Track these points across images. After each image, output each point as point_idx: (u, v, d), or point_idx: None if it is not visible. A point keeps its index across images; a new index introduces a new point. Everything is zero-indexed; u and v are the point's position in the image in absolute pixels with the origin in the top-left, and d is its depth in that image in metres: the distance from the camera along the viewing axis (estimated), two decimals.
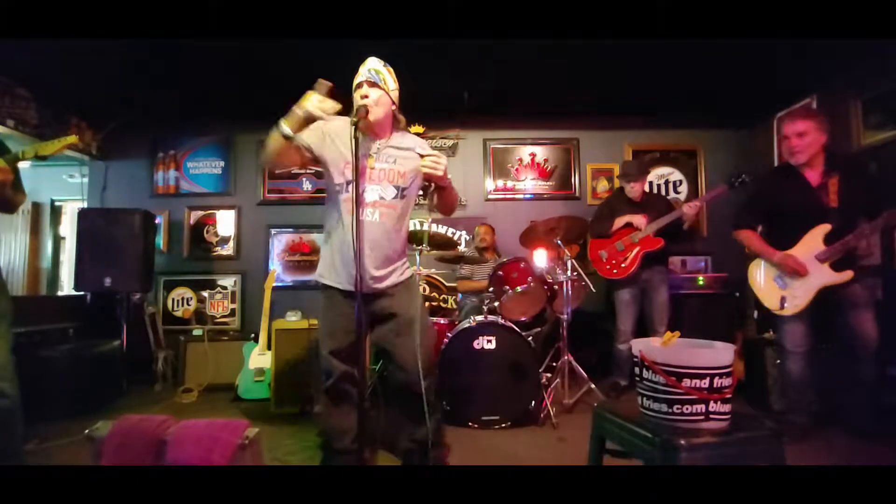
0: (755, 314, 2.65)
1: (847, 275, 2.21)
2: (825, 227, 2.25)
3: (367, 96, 1.67)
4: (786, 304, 2.34)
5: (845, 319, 2.28)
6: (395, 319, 1.79)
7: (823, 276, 2.25)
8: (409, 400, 1.80)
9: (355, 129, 1.48)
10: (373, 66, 1.73)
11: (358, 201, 1.46)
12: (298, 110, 1.63)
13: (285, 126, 1.64)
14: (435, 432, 1.82)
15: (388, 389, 3.01)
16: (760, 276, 2.46)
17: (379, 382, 2.96)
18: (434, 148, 4.77)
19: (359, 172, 1.50)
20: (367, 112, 1.63)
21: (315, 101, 1.62)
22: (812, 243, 2.28)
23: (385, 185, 1.74)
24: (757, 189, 2.63)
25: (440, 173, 1.67)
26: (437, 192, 1.84)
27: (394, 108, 1.78)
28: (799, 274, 2.28)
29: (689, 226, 3.15)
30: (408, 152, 1.79)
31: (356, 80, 1.73)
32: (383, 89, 1.71)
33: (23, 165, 1.85)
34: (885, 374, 2.46)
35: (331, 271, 1.80)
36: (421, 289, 2.01)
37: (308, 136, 1.72)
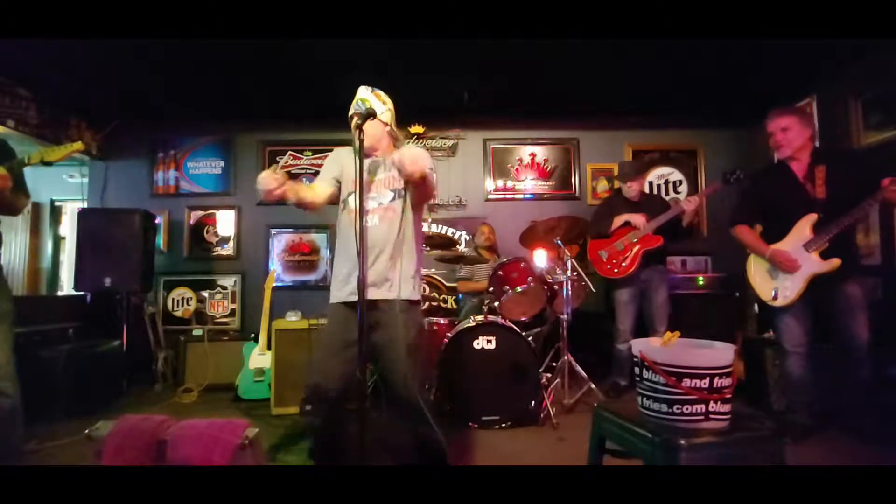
0: (756, 309, 2.64)
1: (834, 262, 2.21)
2: (812, 217, 2.28)
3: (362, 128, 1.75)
4: (777, 295, 2.36)
5: (840, 321, 2.29)
6: (377, 332, 1.72)
7: (811, 265, 2.26)
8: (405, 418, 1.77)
9: (360, 132, 1.52)
10: (361, 97, 1.81)
11: (361, 208, 1.49)
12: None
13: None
14: (429, 455, 1.78)
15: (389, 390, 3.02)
16: (756, 269, 2.50)
17: (380, 381, 2.96)
18: (434, 148, 4.78)
19: (362, 175, 1.51)
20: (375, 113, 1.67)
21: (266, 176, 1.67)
22: (800, 234, 2.31)
23: (383, 192, 1.79)
24: (748, 186, 2.67)
25: (415, 174, 1.56)
26: (414, 187, 1.76)
27: (387, 128, 1.85)
28: (788, 269, 2.31)
29: (689, 223, 3.15)
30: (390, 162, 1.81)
31: (350, 113, 1.81)
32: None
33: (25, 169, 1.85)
34: (886, 374, 2.46)
35: (338, 286, 1.81)
36: (422, 305, 1.89)
37: (330, 169, 1.87)
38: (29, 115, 3.54)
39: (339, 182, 1.86)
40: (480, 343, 2.68)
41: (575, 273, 2.97)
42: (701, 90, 3.78)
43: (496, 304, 2.90)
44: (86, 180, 4.30)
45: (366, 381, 1.49)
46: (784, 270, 2.34)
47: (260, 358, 3.33)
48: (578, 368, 2.91)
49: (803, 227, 2.30)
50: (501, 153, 4.48)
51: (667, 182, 4.45)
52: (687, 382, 1.19)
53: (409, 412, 1.71)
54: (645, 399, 1.28)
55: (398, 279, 1.74)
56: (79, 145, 1.81)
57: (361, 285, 1.43)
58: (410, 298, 1.76)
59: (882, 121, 3.08)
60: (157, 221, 4.13)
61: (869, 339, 2.24)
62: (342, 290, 1.78)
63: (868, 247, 3.11)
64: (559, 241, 3.01)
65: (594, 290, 3.08)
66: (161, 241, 4.26)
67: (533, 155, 4.48)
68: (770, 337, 3.02)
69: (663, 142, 4.48)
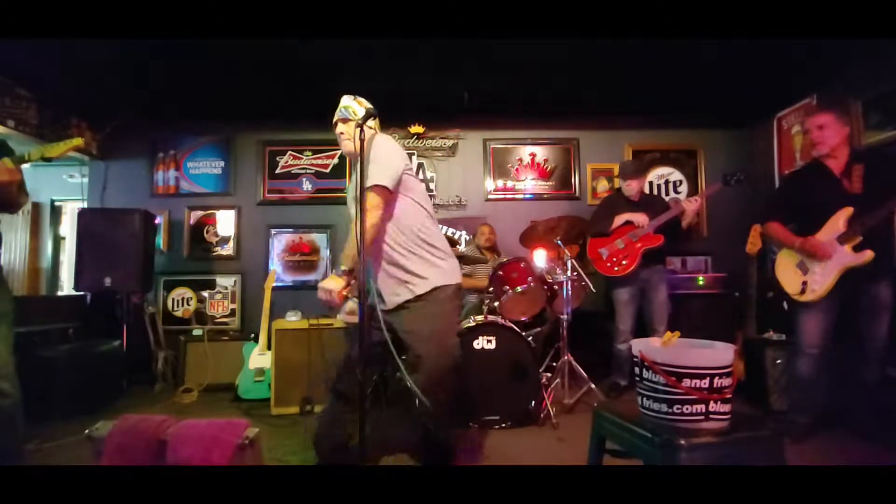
0: (785, 306, 2.59)
1: (867, 255, 2.15)
2: (847, 211, 2.22)
3: (342, 133, 1.85)
4: (806, 289, 2.30)
5: (861, 321, 2.25)
6: (403, 336, 1.76)
7: (843, 257, 2.21)
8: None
9: (361, 131, 1.53)
10: (343, 105, 1.87)
11: (362, 207, 1.50)
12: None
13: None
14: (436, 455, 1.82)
15: (389, 389, 3.02)
16: (784, 264, 2.44)
17: (380, 381, 2.96)
18: (434, 148, 4.77)
19: (363, 164, 1.53)
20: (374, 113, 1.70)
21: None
22: (833, 227, 2.25)
23: (352, 204, 1.82)
24: (783, 183, 2.62)
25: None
26: None
27: (371, 131, 1.87)
28: (820, 256, 2.25)
29: (688, 224, 3.15)
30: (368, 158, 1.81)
31: (334, 119, 1.88)
32: (353, 120, 1.82)
33: (25, 166, 1.86)
34: (886, 374, 2.45)
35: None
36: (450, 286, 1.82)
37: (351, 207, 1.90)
38: (29, 115, 3.54)
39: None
40: (480, 343, 2.67)
41: (575, 273, 2.97)
42: (701, 90, 3.78)
43: (496, 304, 2.90)
44: (86, 180, 4.30)
45: (366, 381, 1.49)
46: (816, 258, 2.27)
47: (260, 358, 3.33)
48: (578, 368, 2.91)
49: (837, 221, 2.24)
50: (501, 153, 4.48)
51: (667, 182, 4.45)
52: (687, 382, 1.19)
53: (431, 412, 1.71)
54: (645, 399, 1.28)
55: (407, 278, 1.75)
56: (78, 141, 1.82)
57: (361, 284, 1.44)
58: (426, 290, 1.74)
59: (882, 121, 3.08)
60: (157, 221, 4.12)
61: (886, 340, 2.20)
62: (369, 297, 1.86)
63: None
64: (559, 241, 3.01)
65: (594, 290, 3.07)
66: (161, 241, 4.25)
67: (533, 155, 4.47)
68: (770, 337, 3.02)
69: (663, 142, 4.48)
